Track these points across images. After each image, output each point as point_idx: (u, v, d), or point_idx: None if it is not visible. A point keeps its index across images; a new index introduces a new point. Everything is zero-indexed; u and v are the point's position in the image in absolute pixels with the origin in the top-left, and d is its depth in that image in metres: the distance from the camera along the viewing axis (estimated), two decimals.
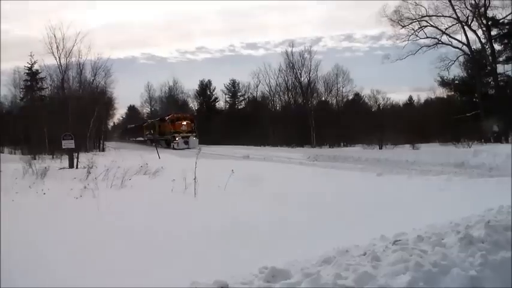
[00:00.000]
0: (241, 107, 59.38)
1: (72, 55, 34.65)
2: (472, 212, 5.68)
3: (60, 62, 34.39)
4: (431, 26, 33.34)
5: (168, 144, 40.41)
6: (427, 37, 33.73)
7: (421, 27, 33.54)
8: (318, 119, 43.59)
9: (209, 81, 61.07)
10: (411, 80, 79.31)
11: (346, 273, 3.41)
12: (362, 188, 10.52)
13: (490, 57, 32.35)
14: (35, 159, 18.92)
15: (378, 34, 71.55)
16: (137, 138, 56.36)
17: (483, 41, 32.34)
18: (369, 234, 4.85)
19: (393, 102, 53.08)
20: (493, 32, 32.27)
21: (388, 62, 35.45)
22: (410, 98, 56.18)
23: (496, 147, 20.65)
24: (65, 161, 18.42)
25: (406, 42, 33.89)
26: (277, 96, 53.01)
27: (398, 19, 33.75)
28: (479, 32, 32.32)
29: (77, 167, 16.54)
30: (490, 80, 33.96)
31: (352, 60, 72.05)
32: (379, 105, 51.20)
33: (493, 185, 9.51)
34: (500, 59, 32.64)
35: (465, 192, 8.99)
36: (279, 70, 50.45)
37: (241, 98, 60.00)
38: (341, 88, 48.99)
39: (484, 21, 31.81)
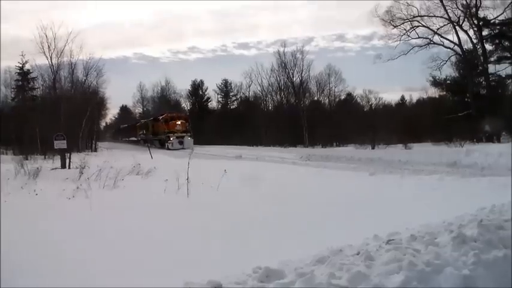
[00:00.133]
0: (234, 107, 59.50)
1: (63, 55, 34.38)
2: (464, 211, 5.71)
3: (51, 62, 34.15)
4: (423, 26, 33.49)
5: (162, 145, 39.78)
6: (419, 37, 33.85)
7: (413, 28, 33.65)
8: (311, 119, 43.73)
9: (201, 81, 61.24)
10: (403, 79, 79.93)
11: (339, 272, 3.40)
12: (355, 188, 10.53)
13: (481, 57, 32.54)
14: (27, 159, 18.85)
15: (369, 34, 71.70)
16: (130, 138, 56.03)
17: (474, 41, 32.65)
18: (363, 233, 4.85)
19: (385, 102, 53.19)
20: (484, 32, 32.57)
21: (380, 62, 35.48)
22: (403, 98, 56.54)
23: (488, 146, 20.81)
24: (57, 161, 18.30)
25: (398, 42, 33.95)
26: (269, 96, 53.26)
27: (390, 19, 33.84)
28: (471, 32, 32.65)
29: (69, 168, 16.48)
30: (481, 80, 34.21)
31: (344, 60, 72.36)
32: (371, 105, 51.33)
33: (486, 184, 9.56)
34: (492, 59, 32.96)
35: (458, 191, 9.01)
36: (271, 70, 50.68)
37: (234, 98, 60.25)
38: (333, 88, 49.38)
39: (476, 22, 32.04)
